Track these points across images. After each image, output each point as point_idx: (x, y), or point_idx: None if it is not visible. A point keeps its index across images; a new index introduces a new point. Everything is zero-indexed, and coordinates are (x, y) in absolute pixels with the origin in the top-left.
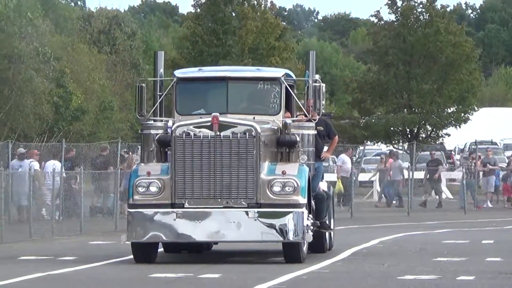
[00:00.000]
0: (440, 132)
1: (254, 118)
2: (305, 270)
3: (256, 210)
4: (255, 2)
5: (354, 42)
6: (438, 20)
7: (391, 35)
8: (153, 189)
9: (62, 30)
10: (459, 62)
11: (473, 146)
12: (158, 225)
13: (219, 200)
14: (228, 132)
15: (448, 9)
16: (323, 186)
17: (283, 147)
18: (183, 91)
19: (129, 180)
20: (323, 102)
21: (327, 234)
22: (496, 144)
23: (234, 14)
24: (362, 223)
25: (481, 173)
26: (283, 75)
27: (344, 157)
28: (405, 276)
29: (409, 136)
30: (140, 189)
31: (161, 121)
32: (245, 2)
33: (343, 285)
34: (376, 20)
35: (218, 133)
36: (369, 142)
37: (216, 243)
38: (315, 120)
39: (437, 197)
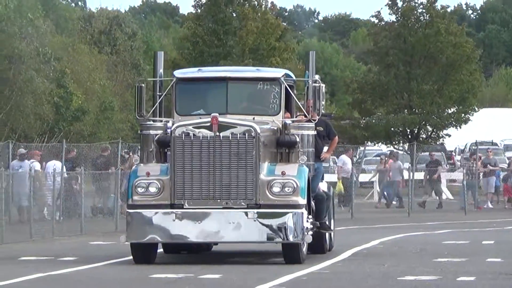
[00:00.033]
0: (441, 132)
1: (253, 118)
2: (305, 271)
3: (255, 210)
4: (256, 2)
5: (354, 42)
6: (439, 21)
7: (392, 36)
8: (152, 189)
9: (63, 30)
10: (459, 63)
11: (473, 147)
12: (158, 225)
13: (219, 200)
14: (227, 133)
15: (448, 10)
16: (323, 186)
17: (282, 147)
18: (183, 91)
19: (128, 180)
20: (323, 103)
21: (327, 234)
22: (496, 144)
23: (234, 15)
24: (363, 224)
25: (481, 174)
26: (282, 76)
27: (344, 157)
28: (406, 276)
29: (409, 136)
30: (140, 190)
31: (161, 121)
32: (246, 2)
33: (343, 285)
34: (376, 21)
35: (218, 133)
36: (369, 143)
37: (215, 243)
38: (314, 120)
39: (437, 198)
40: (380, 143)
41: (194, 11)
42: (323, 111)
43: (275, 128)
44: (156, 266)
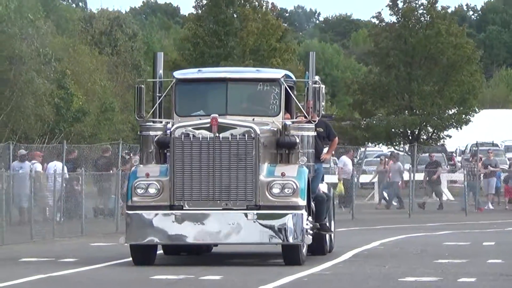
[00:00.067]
0: (441, 133)
1: (253, 119)
2: (306, 272)
3: (255, 212)
4: (256, 3)
5: (355, 43)
6: (439, 22)
7: (392, 37)
8: (152, 190)
9: (64, 31)
10: (460, 64)
11: (474, 148)
12: (157, 227)
13: (218, 202)
14: (227, 134)
15: (449, 11)
16: (323, 187)
17: (282, 148)
18: (182, 92)
19: (128, 181)
20: (323, 104)
21: (327, 236)
22: (497, 145)
23: (235, 16)
24: (363, 225)
25: (481, 175)
26: (282, 76)
27: (345, 158)
28: (406, 278)
29: (410, 137)
30: (139, 191)
31: (161, 122)
32: (246, 3)
33: (344, 287)
34: (377, 22)
35: (217, 134)
36: (370, 144)
37: (215, 245)
38: (314, 121)
39: (438, 199)
40: (380, 144)
41: (194, 12)
42: (323, 112)
43: (275, 129)
44: (156, 268)
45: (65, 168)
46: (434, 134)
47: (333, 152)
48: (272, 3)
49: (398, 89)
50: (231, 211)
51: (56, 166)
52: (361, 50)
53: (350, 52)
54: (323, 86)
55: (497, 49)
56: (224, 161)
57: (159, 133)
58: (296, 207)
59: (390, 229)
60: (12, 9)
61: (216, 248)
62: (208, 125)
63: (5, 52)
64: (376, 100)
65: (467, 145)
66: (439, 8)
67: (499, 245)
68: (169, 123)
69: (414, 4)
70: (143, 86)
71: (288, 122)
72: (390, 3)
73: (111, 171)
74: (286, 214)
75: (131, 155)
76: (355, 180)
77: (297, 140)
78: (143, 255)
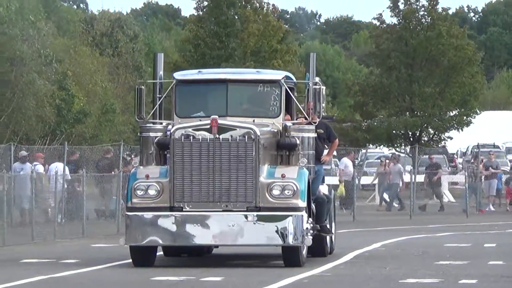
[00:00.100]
0: (442, 135)
1: (253, 121)
2: (307, 274)
3: (255, 213)
4: (257, 4)
5: (356, 45)
6: (440, 23)
7: (393, 38)
8: (151, 192)
9: (65, 32)
10: (461, 65)
11: (475, 150)
12: (157, 228)
13: (218, 203)
14: (227, 135)
15: (450, 12)
16: (323, 189)
17: (283, 150)
18: (183, 93)
19: (128, 183)
20: (323, 105)
21: (328, 237)
22: (498, 147)
23: (236, 17)
24: (364, 227)
25: (483, 177)
26: (283, 78)
27: (346, 160)
28: (407, 279)
29: (411, 139)
30: (139, 192)
31: (161, 123)
32: (247, 5)
33: None
34: (378, 23)
35: (217, 136)
36: (371, 145)
37: (216, 246)
38: (315, 123)
39: (439, 201)
40: (381, 146)
41: (195, 13)
42: (323, 114)
43: (275, 130)
44: (157, 269)
45: (67, 170)
46: (435, 136)
47: (335, 153)
48: (273, 5)
49: (399, 91)
50: (231, 212)
51: (57, 167)
52: (362, 51)
53: (351, 54)
54: (324, 88)
55: (498, 51)
56: (224, 163)
57: (159, 134)
58: (296, 209)
59: (391, 231)
60: (13, 11)
61: (216, 250)
62: (208, 126)
63: (6, 53)
64: (377, 101)
65: (468, 147)
66: (440, 10)
67: (500, 246)
68: (169, 124)
69: (415, 6)
70: (143, 87)
71: (289, 123)
72: (391, 5)
73: (113, 172)
74: (286, 215)
75: (132, 156)
76: (356, 181)
77: (298, 142)
78: (143, 257)
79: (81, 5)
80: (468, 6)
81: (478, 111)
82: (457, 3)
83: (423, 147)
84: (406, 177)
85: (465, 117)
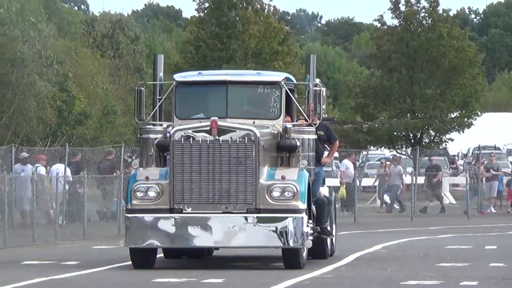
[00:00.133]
0: (443, 137)
1: (254, 122)
2: (308, 275)
3: (255, 215)
4: (259, 6)
5: (357, 46)
6: (441, 25)
7: (394, 40)
8: (151, 194)
9: (65, 34)
10: (462, 67)
11: (476, 151)
12: (157, 230)
13: (218, 205)
14: (227, 137)
15: (451, 14)
16: (324, 191)
17: (283, 151)
18: (183, 95)
19: (127, 184)
20: (324, 106)
21: (328, 239)
22: (499, 149)
23: (237, 19)
24: (366, 228)
25: (484, 179)
26: (283, 79)
27: (347, 162)
28: (408, 281)
29: (412, 141)
30: (139, 194)
31: (161, 125)
32: (249, 6)
33: None
34: (379, 25)
35: (217, 137)
36: (372, 147)
37: (216, 248)
38: (315, 124)
39: (439, 202)
40: (382, 148)
41: (197, 15)
42: (324, 115)
43: (276, 132)
44: (158, 271)
45: (69, 171)
46: (436, 138)
47: (337, 155)
48: (274, 6)
49: (400, 92)
50: (231, 214)
51: (58, 169)
52: (363, 53)
53: (352, 55)
54: (324, 89)
55: (499, 53)
56: (224, 164)
57: (159, 136)
58: (296, 211)
59: (392, 233)
60: (14, 12)
61: (216, 252)
62: (208, 128)
63: (7, 54)
64: (378, 103)
65: (469, 149)
66: (441, 11)
67: (501, 248)
68: (169, 126)
69: (415, 8)
70: (143, 88)
71: (289, 125)
72: (392, 6)
73: (114, 174)
74: (286, 217)
75: (133, 158)
76: (357, 183)
77: (298, 143)
78: (142, 259)
79: (82, 7)
80: (469, 8)
81: (479, 113)
82: (458, 5)
83: (424, 149)
84: (407, 179)
85: (466, 119)
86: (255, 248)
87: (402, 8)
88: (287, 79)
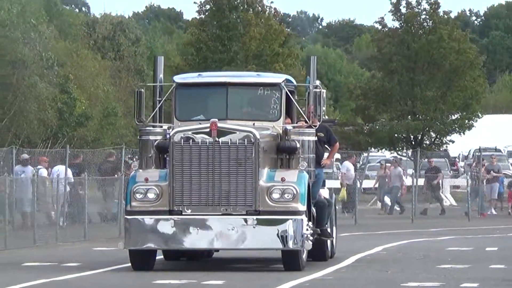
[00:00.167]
0: (444, 139)
1: (253, 124)
2: (308, 277)
3: (255, 217)
4: (260, 8)
5: (358, 48)
6: (442, 27)
7: (395, 42)
8: (151, 195)
9: (67, 36)
10: (463, 69)
11: (477, 153)
12: (156, 232)
13: (218, 207)
14: (226, 139)
15: (452, 16)
16: (324, 193)
17: (283, 153)
18: (183, 96)
19: (127, 186)
20: (324, 108)
21: (328, 241)
22: (500, 151)
23: (238, 21)
24: (366, 230)
25: (484, 180)
26: (283, 81)
27: (347, 164)
28: (409, 283)
29: (413, 143)
30: (138, 196)
31: (160, 127)
32: (250, 8)
33: None
34: (380, 27)
35: (217, 139)
36: (373, 149)
37: (216, 250)
38: (315, 126)
39: (439, 204)
40: (383, 149)
41: (198, 17)
42: (324, 117)
43: (275, 133)
44: (158, 272)
45: (70, 173)
46: (437, 139)
47: (338, 157)
48: (275, 8)
49: (401, 94)
50: (231, 216)
51: (59, 170)
52: (364, 55)
53: (353, 57)
54: (324, 91)
55: (500, 55)
56: (223, 166)
57: (159, 137)
58: (296, 213)
59: (393, 234)
60: (14, 14)
61: (216, 253)
62: (208, 129)
63: (8, 56)
64: (379, 105)
65: (470, 151)
66: (442, 14)
67: (501, 250)
68: (169, 127)
69: (416, 10)
70: (143, 90)
71: (289, 126)
72: (393, 9)
73: (115, 176)
74: (286, 219)
75: (135, 159)
76: (358, 185)
77: (298, 145)
78: (142, 260)
79: (83, 9)
80: (470, 10)
81: (480, 115)
82: (459, 7)
83: (425, 151)
84: (408, 181)
85: (467, 121)
86: (255, 250)
87: (403, 10)
88: (287, 80)
